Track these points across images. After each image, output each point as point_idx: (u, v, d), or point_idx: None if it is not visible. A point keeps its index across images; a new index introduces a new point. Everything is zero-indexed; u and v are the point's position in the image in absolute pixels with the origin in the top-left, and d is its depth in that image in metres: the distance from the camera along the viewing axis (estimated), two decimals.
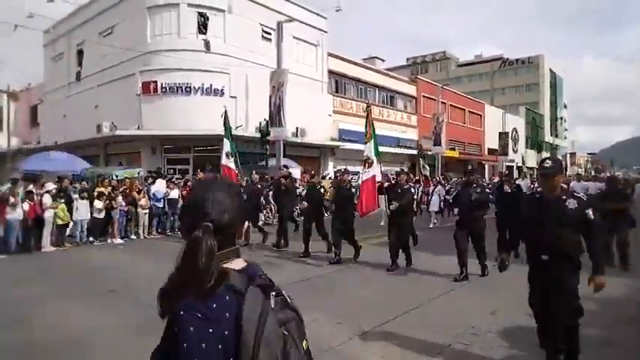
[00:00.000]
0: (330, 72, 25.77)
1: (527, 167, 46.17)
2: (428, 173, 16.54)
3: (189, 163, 19.78)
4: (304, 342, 1.09)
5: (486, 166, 42.60)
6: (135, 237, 11.84)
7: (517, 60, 70.16)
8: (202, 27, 19.95)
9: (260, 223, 11.53)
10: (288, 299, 1.11)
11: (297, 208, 11.77)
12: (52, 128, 25.30)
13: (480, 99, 46.68)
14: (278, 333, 1.02)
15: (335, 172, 11.49)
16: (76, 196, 11.04)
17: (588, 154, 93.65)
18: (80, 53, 24.44)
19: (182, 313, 1.07)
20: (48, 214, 10.14)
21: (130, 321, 5.09)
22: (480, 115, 42.82)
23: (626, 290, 6.27)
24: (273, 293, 1.08)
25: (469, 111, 40.82)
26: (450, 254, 7.27)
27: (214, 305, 1.05)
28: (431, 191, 15.14)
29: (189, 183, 11.95)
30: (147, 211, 12.15)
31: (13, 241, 9.64)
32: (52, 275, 7.75)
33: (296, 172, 18.10)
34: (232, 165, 11.06)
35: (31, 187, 10.42)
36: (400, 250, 7.67)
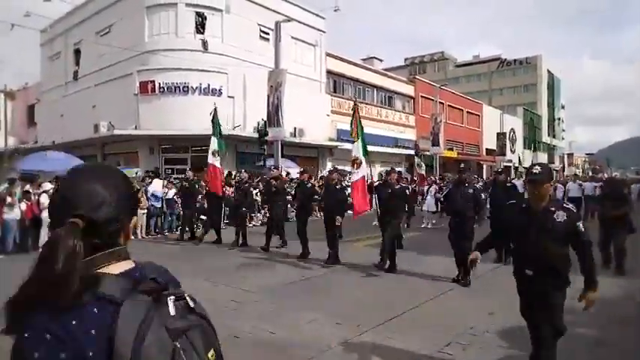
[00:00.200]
0: (329, 72, 25.77)
1: (523, 167, 46.27)
2: (424, 172, 16.43)
3: (186, 162, 19.74)
4: (211, 352, 0.92)
5: (484, 167, 42.69)
6: (132, 237, 11.77)
7: (515, 60, 70.38)
8: (200, 27, 19.92)
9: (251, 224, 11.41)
10: (193, 303, 0.95)
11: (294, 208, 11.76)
12: (50, 128, 25.21)
13: (477, 99, 46.78)
14: (163, 345, 0.83)
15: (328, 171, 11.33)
16: None
17: (586, 154, 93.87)
18: (77, 52, 24.37)
19: (26, 335, 0.85)
20: (45, 214, 10.09)
21: None
22: (478, 116, 42.91)
23: (620, 291, 6.29)
24: (172, 297, 0.90)
25: (467, 111, 40.90)
26: (448, 255, 7.27)
27: (74, 321, 0.83)
28: (425, 191, 15.10)
29: (185, 184, 11.79)
30: (145, 211, 12.13)
31: (11, 241, 9.61)
32: None
33: (294, 172, 18.13)
34: (218, 164, 10.97)
35: (28, 187, 10.38)
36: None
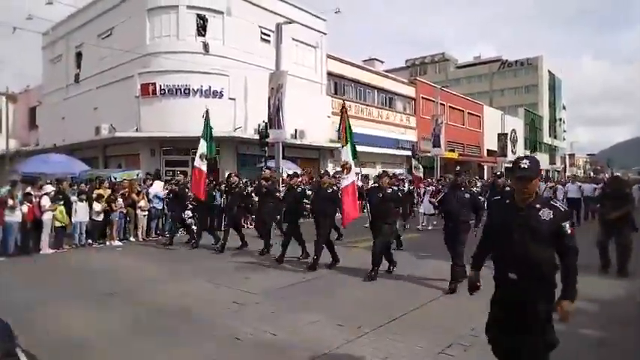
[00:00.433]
0: (329, 74, 25.79)
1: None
2: (421, 174, 16.25)
3: (188, 165, 19.73)
4: None
5: (485, 168, 42.65)
6: (133, 239, 11.81)
7: (516, 61, 70.40)
8: (201, 29, 19.95)
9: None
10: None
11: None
12: (51, 130, 25.26)
13: (478, 100, 46.77)
14: None
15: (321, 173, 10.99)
16: (74, 198, 11.02)
17: (587, 154, 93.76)
18: (79, 55, 24.43)
19: None
20: (46, 217, 10.11)
21: (128, 323, 5.08)
22: (479, 117, 42.89)
23: (622, 291, 6.29)
24: None
25: (468, 112, 40.88)
26: (448, 257, 7.24)
27: None
28: (422, 193, 14.99)
29: (174, 187, 11.64)
30: (146, 213, 12.14)
31: (12, 244, 9.61)
32: (50, 278, 7.72)
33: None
34: (204, 168, 10.56)
35: (29, 189, 10.39)
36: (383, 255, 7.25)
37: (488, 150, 42.74)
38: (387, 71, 35.12)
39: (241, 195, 10.65)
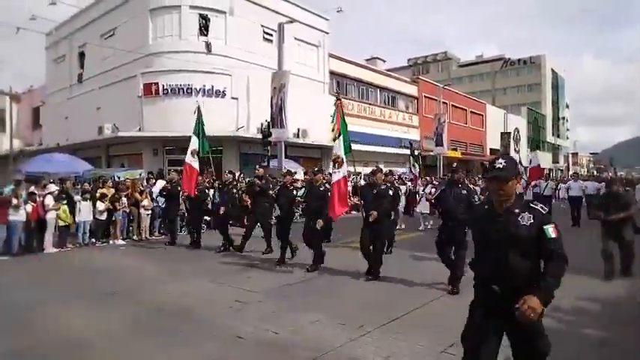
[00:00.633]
0: (332, 73, 25.78)
1: (522, 166, 46.10)
2: (417, 172, 16.03)
3: (204, 163, 19.80)
4: None
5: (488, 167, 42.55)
6: (136, 238, 11.85)
7: (519, 60, 70.17)
8: (204, 29, 19.99)
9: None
10: None
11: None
12: (54, 130, 25.36)
13: (481, 99, 46.68)
14: None
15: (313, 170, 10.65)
16: (78, 197, 11.07)
17: (590, 153, 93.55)
18: (82, 55, 24.51)
19: None
20: (50, 216, 10.16)
21: (131, 323, 5.10)
22: (482, 116, 42.79)
23: (623, 291, 6.27)
24: None
25: (471, 111, 40.80)
26: None
27: None
28: (420, 191, 14.86)
29: (167, 185, 11.52)
30: (149, 212, 12.18)
31: (16, 243, 9.67)
32: (53, 277, 7.76)
33: (299, 172, 18.13)
34: (196, 165, 10.44)
35: (33, 188, 10.45)
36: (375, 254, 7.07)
37: (491, 149, 42.64)
38: (389, 70, 35.11)
39: (232, 193, 10.39)
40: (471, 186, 13.41)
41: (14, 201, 9.48)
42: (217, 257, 9.14)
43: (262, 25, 21.42)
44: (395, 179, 16.37)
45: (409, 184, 15.87)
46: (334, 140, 7.98)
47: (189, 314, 5.36)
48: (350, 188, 11.04)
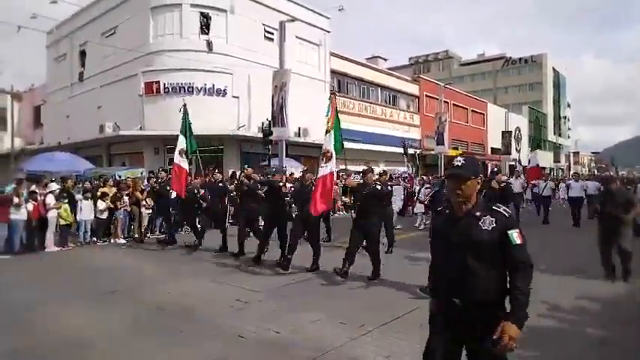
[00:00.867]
0: (333, 72, 25.76)
1: (521, 165, 46.07)
2: (412, 171, 15.83)
3: (191, 163, 19.80)
4: None
5: (489, 166, 42.51)
6: (137, 237, 11.85)
7: (520, 59, 70.06)
8: (205, 27, 19.99)
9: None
10: None
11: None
12: (56, 129, 25.41)
13: (482, 98, 46.60)
14: None
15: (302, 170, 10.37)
16: (79, 196, 11.08)
17: (592, 153, 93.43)
18: (83, 54, 24.52)
19: None
20: (51, 215, 10.18)
21: (131, 323, 5.11)
22: (483, 114, 42.75)
23: (622, 290, 6.26)
24: None
25: (472, 110, 40.76)
26: None
27: None
28: (417, 191, 14.82)
29: (155, 185, 11.46)
30: (150, 211, 12.18)
31: (17, 242, 9.69)
32: (54, 276, 7.77)
33: (297, 172, 18.14)
34: (185, 164, 10.24)
35: (34, 187, 10.46)
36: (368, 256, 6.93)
37: (492, 148, 42.62)
38: (390, 69, 35.06)
39: (221, 193, 10.16)
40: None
41: (15, 200, 9.50)
42: (217, 257, 9.14)
43: (263, 24, 21.41)
44: (393, 178, 16.38)
45: (402, 184, 15.71)
46: (326, 134, 7.78)
47: (190, 314, 5.36)
48: (338, 188, 10.79)
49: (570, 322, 4.95)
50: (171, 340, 4.52)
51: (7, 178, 13.44)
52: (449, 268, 2.39)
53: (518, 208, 15.10)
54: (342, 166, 10.57)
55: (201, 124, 17.91)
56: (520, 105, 56.89)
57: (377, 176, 9.68)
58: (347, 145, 25.93)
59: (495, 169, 7.92)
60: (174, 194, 11.91)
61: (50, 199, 10.21)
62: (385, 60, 36.12)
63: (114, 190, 11.79)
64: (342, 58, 26.87)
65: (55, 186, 11.47)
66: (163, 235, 11.39)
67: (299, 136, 21.13)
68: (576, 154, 71.04)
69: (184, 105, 11.02)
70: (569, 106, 77.35)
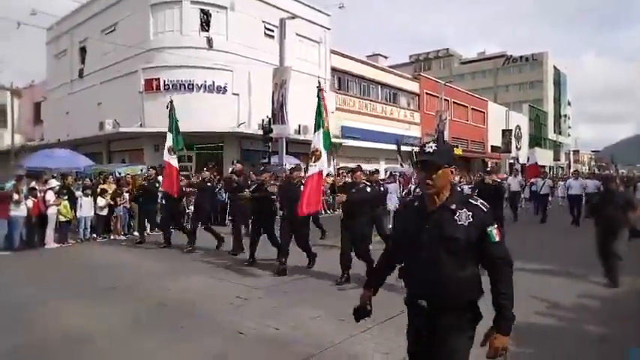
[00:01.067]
0: (333, 69, 25.73)
1: (519, 163, 46.06)
2: (406, 170, 15.62)
3: (191, 160, 19.81)
4: None
5: (489, 164, 42.52)
6: (137, 233, 11.85)
7: (521, 57, 69.95)
8: (205, 24, 19.94)
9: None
10: None
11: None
12: (55, 125, 25.38)
13: (483, 96, 46.56)
14: None
15: (290, 168, 10.07)
16: (79, 193, 11.08)
17: (592, 151, 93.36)
18: (83, 50, 24.47)
19: None
20: (51, 211, 10.18)
21: (131, 318, 5.11)
22: (483, 113, 42.71)
23: (622, 288, 6.26)
24: None
25: (472, 108, 40.72)
26: None
27: None
28: (412, 190, 14.64)
29: (143, 182, 11.17)
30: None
31: (17, 238, 9.69)
32: (54, 272, 7.77)
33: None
34: (175, 162, 9.93)
35: (34, 183, 10.46)
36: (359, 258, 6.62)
37: (492, 146, 42.60)
38: (390, 67, 35.00)
39: (211, 191, 10.01)
40: (455, 180, 12.72)
41: (15, 196, 9.50)
42: (217, 254, 9.14)
43: (263, 21, 21.36)
44: (392, 175, 16.28)
45: (391, 186, 15.54)
46: (314, 132, 7.46)
47: (190, 310, 5.36)
48: (325, 187, 10.62)
49: (569, 320, 4.96)
50: (172, 336, 4.52)
51: (7, 175, 13.43)
52: (417, 267, 2.18)
53: (516, 207, 15.07)
54: (342, 164, 10.41)
55: (201, 122, 17.95)
56: (520, 103, 56.85)
57: (369, 175, 9.61)
58: (347, 142, 26.05)
59: (489, 168, 7.54)
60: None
61: (50, 196, 10.21)
62: (386, 58, 36.06)
63: (113, 186, 11.78)
64: (342, 55, 26.82)
65: (54, 182, 11.48)
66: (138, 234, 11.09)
67: (299, 133, 21.10)
68: (576, 152, 70.94)
69: (171, 102, 10.84)
70: (569, 104, 77.28)
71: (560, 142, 67.20)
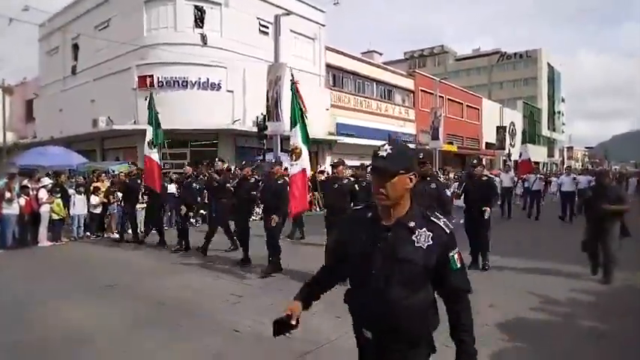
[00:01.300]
0: (328, 66, 25.68)
1: (511, 160, 46.24)
2: None
3: (186, 157, 19.70)
4: None
5: (484, 160, 42.68)
6: (130, 232, 11.77)
7: (515, 54, 70.27)
8: (199, 20, 19.83)
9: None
10: None
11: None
12: (48, 123, 25.16)
13: (477, 93, 46.70)
14: None
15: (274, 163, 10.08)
16: (72, 191, 10.99)
17: (586, 147, 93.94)
18: (76, 47, 24.27)
19: None
20: (44, 209, 10.09)
21: (127, 316, 5.08)
22: (478, 110, 42.86)
23: (619, 282, 6.29)
24: None
25: (467, 105, 40.84)
26: None
27: None
28: None
29: (125, 179, 10.98)
30: (144, 205, 12.08)
31: (10, 236, 9.60)
32: (48, 271, 7.70)
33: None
34: (155, 156, 9.69)
35: (26, 182, 10.36)
36: None
37: (486, 143, 42.73)
38: (385, 63, 35.00)
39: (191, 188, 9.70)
40: (442, 177, 12.21)
41: (8, 194, 9.41)
42: (213, 252, 9.08)
43: (258, 18, 21.27)
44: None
45: None
46: (291, 129, 7.24)
47: (188, 307, 5.33)
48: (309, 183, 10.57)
49: (566, 316, 4.97)
50: (171, 334, 4.50)
51: (0, 173, 13.30)
52: (363, 292, 1.86)
53: (509, 203, 15.10)
54: (336, 159, 10.31)
55: (195, 119, 17.87)
56: (515, 100, 57.06)
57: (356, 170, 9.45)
58: (342, 139, 25.99)
59: (475, 161, 7.26)
60: (173, 189, 11.79)
61: (43, 194, 10.12)
62: (380, 54, 36.05)
63: (107, 184, 11.69)
64: (337, 52, 26.78)
65: (47, 180, 11.37)
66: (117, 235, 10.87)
67: None
68: (570, 148, 71.40)
69: (150, 94, 10.69)
70: (563, 101, 77.68)
71: (554, 139, 67.55)
